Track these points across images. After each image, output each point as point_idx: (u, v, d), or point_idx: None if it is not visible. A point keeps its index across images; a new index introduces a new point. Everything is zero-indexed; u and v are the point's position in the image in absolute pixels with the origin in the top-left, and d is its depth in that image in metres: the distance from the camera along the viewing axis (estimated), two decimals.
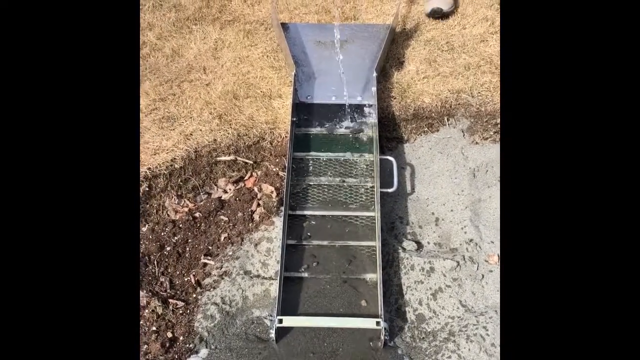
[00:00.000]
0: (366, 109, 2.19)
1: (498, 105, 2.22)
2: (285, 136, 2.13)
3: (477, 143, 2.22)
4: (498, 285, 1.80)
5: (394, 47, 2.50)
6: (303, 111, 2.18)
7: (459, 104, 2.27)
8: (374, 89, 2.21)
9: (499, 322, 1.67)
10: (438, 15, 2.57)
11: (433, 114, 2.27)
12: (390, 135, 2.26)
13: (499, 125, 2.21)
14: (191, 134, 2.10)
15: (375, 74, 2.24)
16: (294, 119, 2.12)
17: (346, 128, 2.14)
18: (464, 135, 2.26)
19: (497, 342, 1.63)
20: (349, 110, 2.18)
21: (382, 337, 1.63)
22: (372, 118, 2.14)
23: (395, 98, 2.29)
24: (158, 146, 2.05)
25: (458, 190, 2.08)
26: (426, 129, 2.28)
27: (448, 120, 2.28)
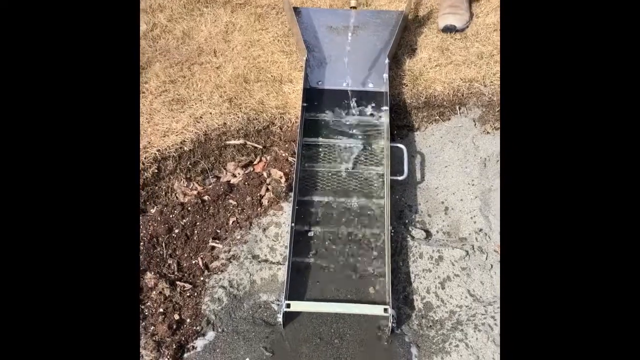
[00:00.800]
0: (378, 96, 2.17)
1: None
2: (295, 121, 2.12)
3: (488, 132, 2.21)
4: None
5: (406, 34, 2.48)
6: (314, 97, 2.17)
7: (471, 92, 2.25)
8: (385, 75, 2.19)
9: None
10: (451, 32, 2.47)
11: (445, 103, 2.25)
12: (401, 123, 2.24)
13: None
14: (201, 117, 2.09)
15: (387, 61, 2.22)
16: (305, 104, 2.10)
17: (357, 115, 2.12)
18: (475, 124, 2.24)
19: None
20: (360, 96, 2.16)
21: (390, 325, 1.62)
22: (383, 105, 2.12)
23: (406, 85, 2.27)
24: (167, 128, 2.04)
25: (468, 179, 2.07)
26: (437, 117, 2.27)
27: (460, 109, 2.26)
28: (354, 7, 1.77)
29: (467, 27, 2.49)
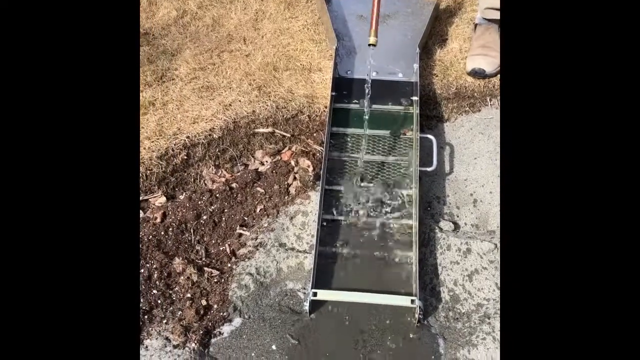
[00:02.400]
0: (407, 86, 2.15)
1: None
2: (324, 110, 2.11)
3: None
4: None
5: (437, 24, 2.45)
6: (343, 86, 2.16)
7: None
8: (416, 66, 2.17)
9: None
10: (479, 77, 2.24)
11: (475, 94, 2.22)
12: (431, 114, 2.22)
13: None
14: (230, 105, 2.10)
15: (417, 51, 2.20)
16: (334, 93, 2.09)
17: (386, 104, 2.10)
18: None
19: None
20: (389, 86, 2.14)
21: (417, 316, 1.62)
22: (413, 95, 2.10)
23: (437, 76, 2.25)
24: (197, 115, 2.05)
25: (498, 172, 2.04)
26: (467, 108, 2.24)
27: (490, 100, 2.23)
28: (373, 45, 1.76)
29: (497, 73, 2.26)
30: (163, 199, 1.93)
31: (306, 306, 1.65)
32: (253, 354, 1.61)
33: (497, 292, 1.73)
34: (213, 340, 1.65)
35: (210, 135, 2.02)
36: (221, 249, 1.86)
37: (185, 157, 1.98)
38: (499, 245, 1.82)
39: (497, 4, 2.19)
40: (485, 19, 2.29)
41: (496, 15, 2.23)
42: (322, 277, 1.72)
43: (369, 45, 1.75)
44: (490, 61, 2.22)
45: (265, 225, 1.91)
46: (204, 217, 1.90)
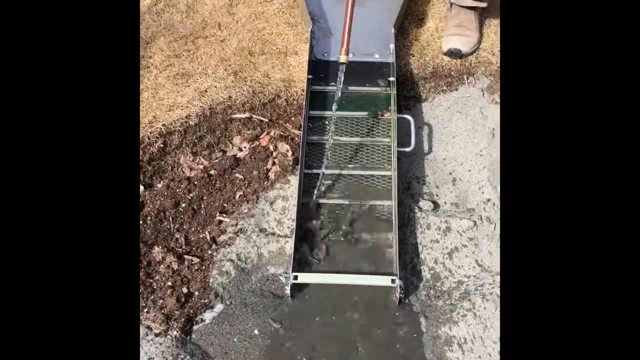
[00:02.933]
0: (384, 67, 2.14)
1: None
2: (301, 94, 2.10)
3: (497, 102, 2.18)
4: None
5: (412, 4, 2.43)
6: (319, 69, 2.14)
7: (479, 62, 2.22)
8: (392, 46, 2.16)
9: None
10: (456, 57, 2.23)
11: (452, 73, 2.22)
12: (408, 94, 2.22)
13: None
14: (206, 91, 2.08)
15: (393, 31, 2.19)
16: (310, 76, 2.08)
17: (363, 86, 2.09)
18: (483, 94, 2.21)
19: None
20: (366, 68, 2.13)
21: (398, 295, 1.63)
22: (390, 76, 2.09)
23: (413, 56, 2.24)
24: (173, 103, 2.03)
25: (476, 150, 2.05)
26: (445, 87, 2.24)
27: (467, 78, 2.23)
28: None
29: (475, 50, 2.25)
30: (141, 188, 1.92)
31: (287, 290, 1.65)
32: (235, 339, 1.61)
33: (477, 269, 1.74)
34: (195, 328, 1.64)
35: (186, 122, 2.00)
36: (201, 236, 1.85)
37: (162, 145, 1.96)
38: (478, 222, 1.82)
39: None
40: (459, 5, 2.27)
41: (470, 2, 2.21)
42: (303, 260, 1.72)
43: (340, 63, 1.73)
44: (465, 41, 2.20)
45: (245, 211, 1.90)
46: (183, 205, 1.89)
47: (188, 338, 1.62)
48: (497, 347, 1.55)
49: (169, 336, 1.60)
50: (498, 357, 1.54)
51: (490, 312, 1.60)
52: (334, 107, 1.84)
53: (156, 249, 1.76)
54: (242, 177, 1.97)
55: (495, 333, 1.57)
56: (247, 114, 2.08)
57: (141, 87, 2.08)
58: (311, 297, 1.68)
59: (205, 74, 2.14)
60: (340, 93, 1.82)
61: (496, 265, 1.74)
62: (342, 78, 1.77)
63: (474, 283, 1.70)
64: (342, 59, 1.71)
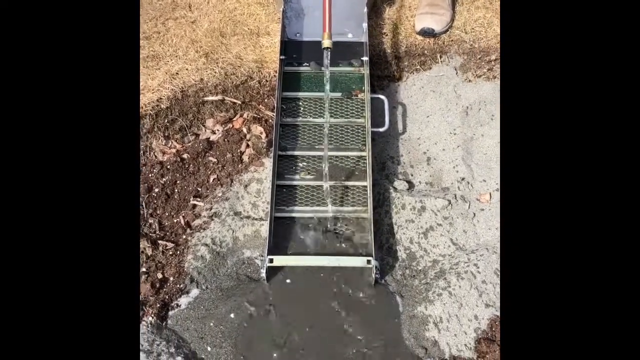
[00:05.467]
0: (357, 47, 2.12)
1: (492, 42, 2.17)
2: (274, 75, 2.07)
3: (470, 81, 2.18)
4: (489, 223, 1.79)
5: None
6: (292, 49, 2.12)
7: (452, 40, 2.21)
8: (365, 25, 2.14)
9: (490, 259, 1.67)
10: (429, 36, 2.22)
11: (425, 52, 2.21)
12: (382, 74, 2.20)
13: (492, 62, 2.16)
14: (177, 73, 2.04)
15: (366, 10, 2.17)
16: (283, 57, 2.05)
17: (337, 66, 2.07)
18: (456, 73, 2.21)
19: (488, 279, 1.63)
20: (339, 47, 2.11)
21: (373, 275, 1.63)
22: (363, 55, 2.08)
23: (386, 35, 2.22)
24: (143, 86, 1.99)
25: (450, 129, 2.05)
26: (418, 66, 2.23)
27: (441, 57, 2.22)
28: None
29: (448, 29, 2.24)
30: None
31: (263, 273, 1.65)
32: (212, 324, 1.60)
33: (452, 248, 1.75)
34: (171, 313, 1.63)
35: (157, 105, 1.97)
36: (175, 221, 1.83)
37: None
38: (452, 201, 1.83)
39: None
40: None
41: None
42: (279, 243, 1.71)
43: (324, 48, 1.70)
44: (438, 19, 2.19)
45: (220, 194, 1.88)
46: (156, 190, 1.87)
47: (164, 324, 1.61)
48: (473, 324, 1.57)
49: (144, 322, 1.58)
50: (474, 335, 1.56)
51: (465, 291, 1.61)
52: (326, 88, 1.79)
53: None
54: (215, 160, 1.95)
55: (470, 311, 1.59)
56: (219, 96, 2.05)
57: None
58: (287, 279, 1.68)
59: (176, 56, 2.10)
60: (328, 76, 1.78)
61: (471, 244, 1.75)
62: (328, 62, 1.74)
63: (449, 262, 1.71)
64: (326, 43, 1.69)
